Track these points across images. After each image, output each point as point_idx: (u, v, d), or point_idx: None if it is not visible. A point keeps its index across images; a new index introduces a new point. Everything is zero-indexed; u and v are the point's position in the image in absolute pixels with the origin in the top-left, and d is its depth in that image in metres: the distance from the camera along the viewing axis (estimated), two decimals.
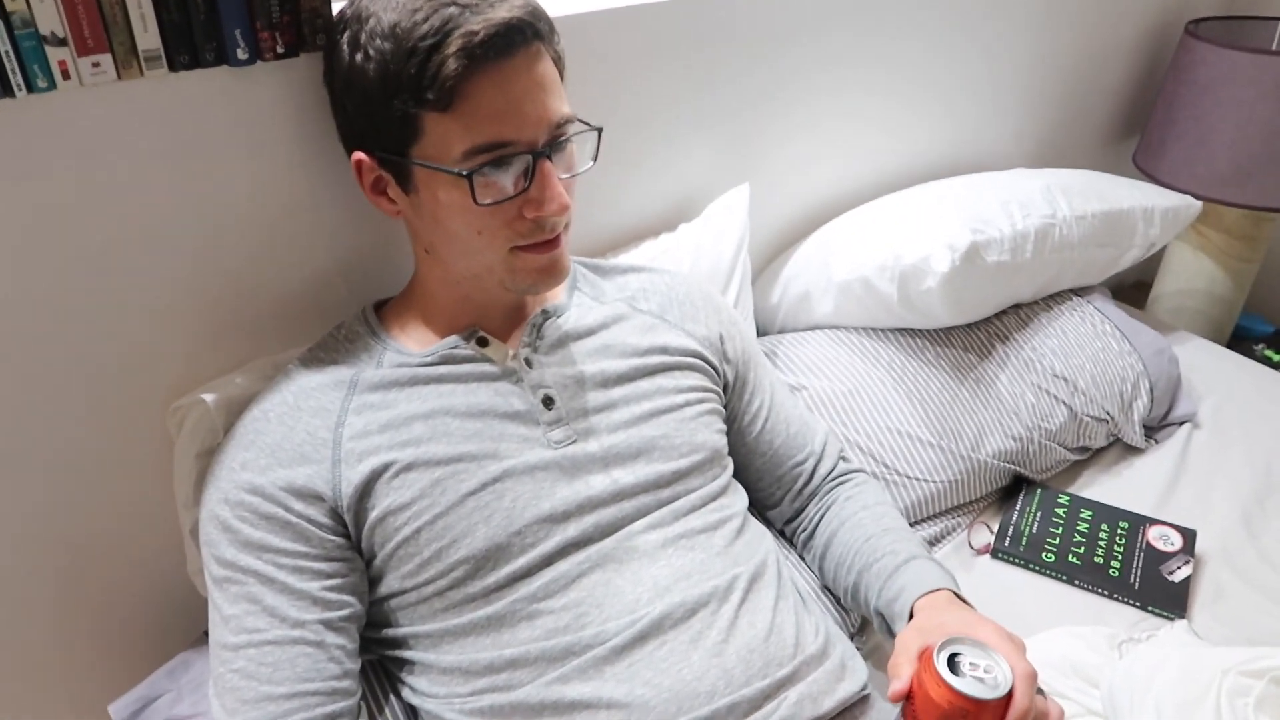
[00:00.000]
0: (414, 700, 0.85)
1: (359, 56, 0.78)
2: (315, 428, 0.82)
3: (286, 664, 0.76)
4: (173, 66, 0.81)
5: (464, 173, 0.77)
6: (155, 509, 1.00)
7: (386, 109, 0.78)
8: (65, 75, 0.76)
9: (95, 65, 0.77)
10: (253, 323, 0.98)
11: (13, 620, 0.97)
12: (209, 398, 0.91)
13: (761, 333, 1.45)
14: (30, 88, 0.75)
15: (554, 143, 0.81)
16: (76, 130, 0.80)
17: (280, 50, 0.85)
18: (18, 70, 0.73)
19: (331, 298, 1.01)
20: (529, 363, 0.89)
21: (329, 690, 0.77)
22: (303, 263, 0.98)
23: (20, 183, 0.79)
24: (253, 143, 0.89)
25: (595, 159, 0.87)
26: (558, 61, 0.83)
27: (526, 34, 0.77)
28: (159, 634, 1.07)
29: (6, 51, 0.72)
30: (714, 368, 0.99)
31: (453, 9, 0.74)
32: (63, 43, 0.74)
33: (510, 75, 0.77)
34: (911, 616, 0.86)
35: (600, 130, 0.86)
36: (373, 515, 0.80)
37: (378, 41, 0.76)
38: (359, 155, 0.83)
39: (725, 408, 1.01)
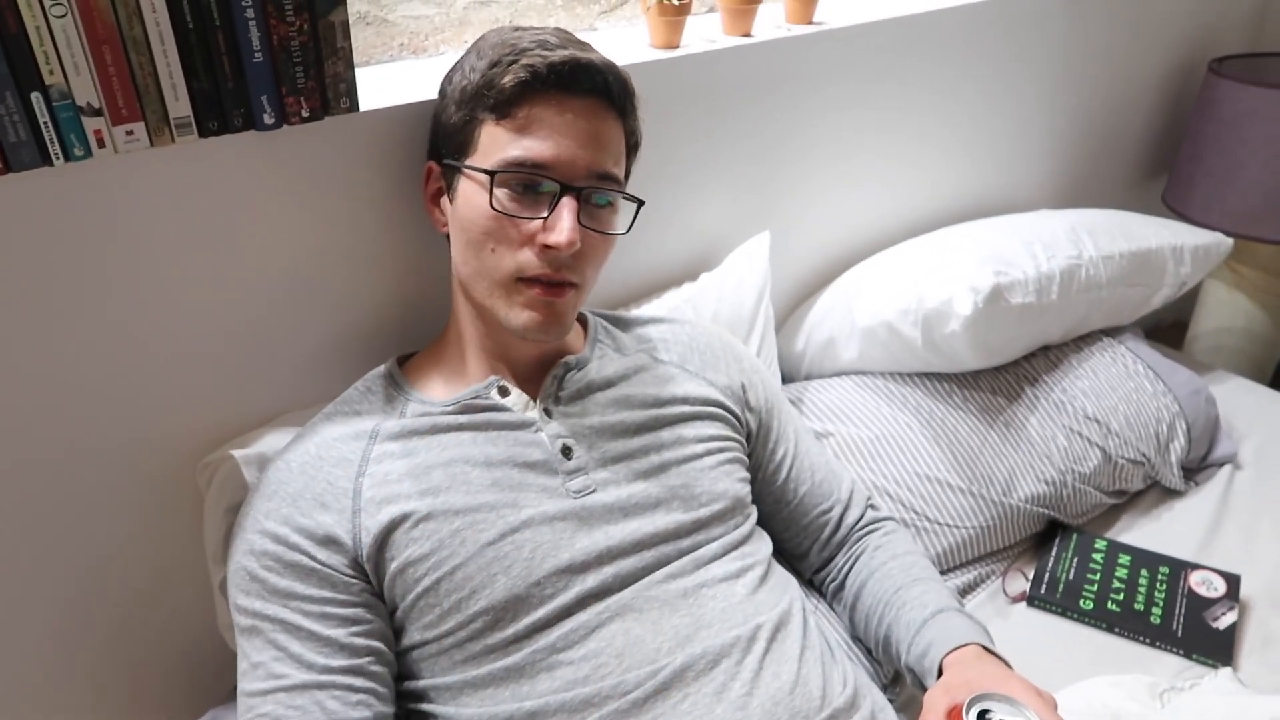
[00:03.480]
0: None
1: (458, 74, 0.87)
2: (336, 477, 0.83)
3: (315, 707, 0.76)
4: (203, 133, 0.84)
5: (490, 170, 0.82)
6: (186, 565, 1.02)
7: (456, 115, 0.85)
8: (100, 143, 0.79)
9: (129, 133, 0.80)
10: (281, 379, 1.00)
11: (47, 679, 0.98)
12: (238, 453, 0.92)
13: (787, 380, 1.45)
14: (68, 156, 0.78)
15: (591, 194, 0.84)
16: (112, 196, 0.83)
17: (305, 115, 0.88)
18: (55, 140, 0.77)
19: (359, 353, 1.03)
20: (549, 413, 0.89)
21: None
22: (329, 319, 1.00)
23: (57, 248, 0.82)
24: (280, 203, 0.92)
25: (629, 230, 0.90)
26: (628, 138, 0.89)
27: (596, 82, 0.83)
28: (191, 690, 1.07)
29: (45, 123, 0.75)
30: (736, 416, 0.99)
31: (550, 41, 0.83)
32: (98, 113, 0.78)
33: (567, 110, 0.82)
34: (940, 673, 0.85)
35: (641, 203, 0.90)
36: (392, 566, 0.80)
37: (489, 51, 0.84)
38: (430, 164, 0.91)
39: (749, 456, 1.01)
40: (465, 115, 0.84)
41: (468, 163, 0.85)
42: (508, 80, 0.80)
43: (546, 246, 0.82)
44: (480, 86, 0.82)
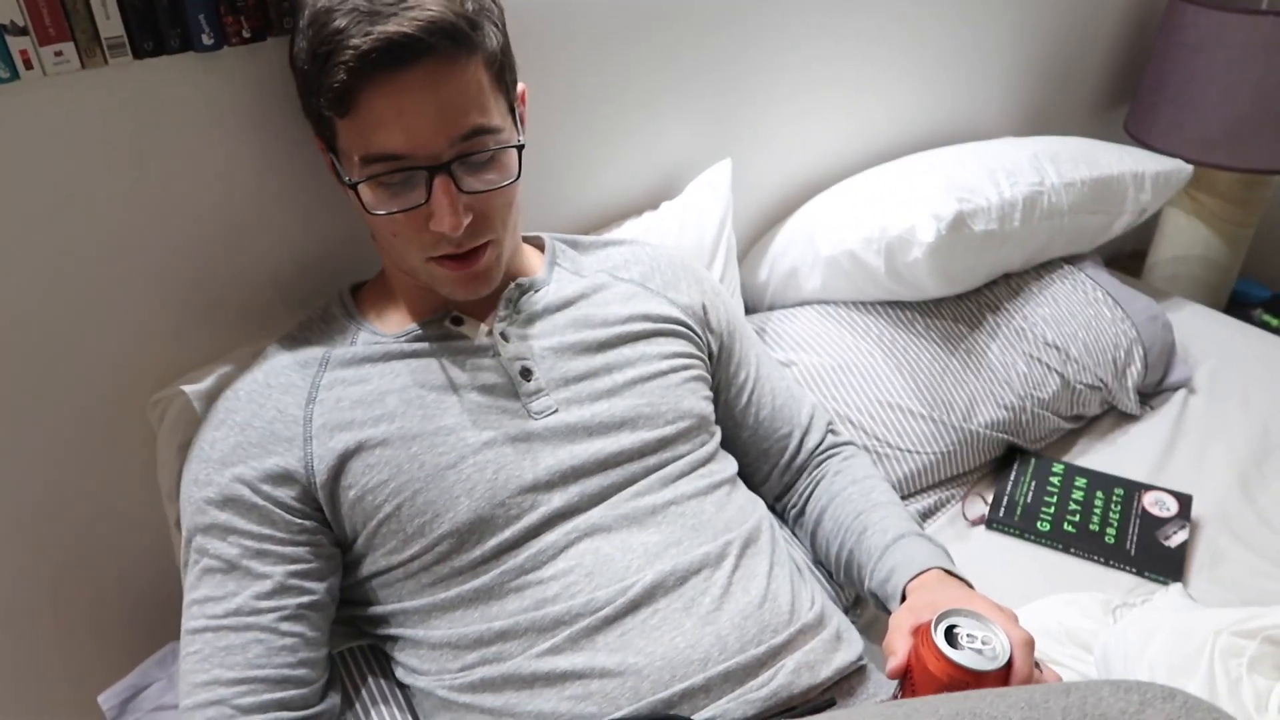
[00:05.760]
0: (406, 679, 0.84)
1: (294, 47, 0.78)
2: (285, 405, 0.82)
3: (239, 649, 0.76)
4: (137, 54, 0.80)
5: (351, 182, 0.77)
6: (141, 502, 1.00)
7: (313, 104, 0.78)
8: (28, 65, 0.76)
9: (58, 54, 0.77)
10: (232, 312, 0.97)
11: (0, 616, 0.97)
12: (189, 389, 0.90)
13: (751, 310, 1.44)
14: None
15: (463, 157, 0.77)
16: (41, 120, 0.79)
17: (246, 35, 0.85)
18: None
19: (310, 284, 1.01)
20: (505, 336, 0.88)
21: (279, 678, 0.77)
22: (280, 249, 0.97)
23: None
24: (222, 129, 0.88)
25: (518, 176, 0.82)
26: (491, 63, 0.78)
27: (423, 49, 0.72)
28: (148, 624, 1.07)
29: None
30: (698, 335, 0.98)
31: (362, 6, 0.72)
32: (23, 31, 0.74)
33: (403, 88, 0.73)
34: (904, 598, 0.86)
35: (521, 147, 0.82)
36: (350, 495, 0.80)
37: (308, 31, 0.75)
38: (319, 140, 0.83)
39: (711, 377, 1.01)
40: (315, 109, 0.78)
41: (335, 161, 0.80)
42: (332, 78, 0.72)
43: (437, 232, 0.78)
44: (313, 82, 0.75)
